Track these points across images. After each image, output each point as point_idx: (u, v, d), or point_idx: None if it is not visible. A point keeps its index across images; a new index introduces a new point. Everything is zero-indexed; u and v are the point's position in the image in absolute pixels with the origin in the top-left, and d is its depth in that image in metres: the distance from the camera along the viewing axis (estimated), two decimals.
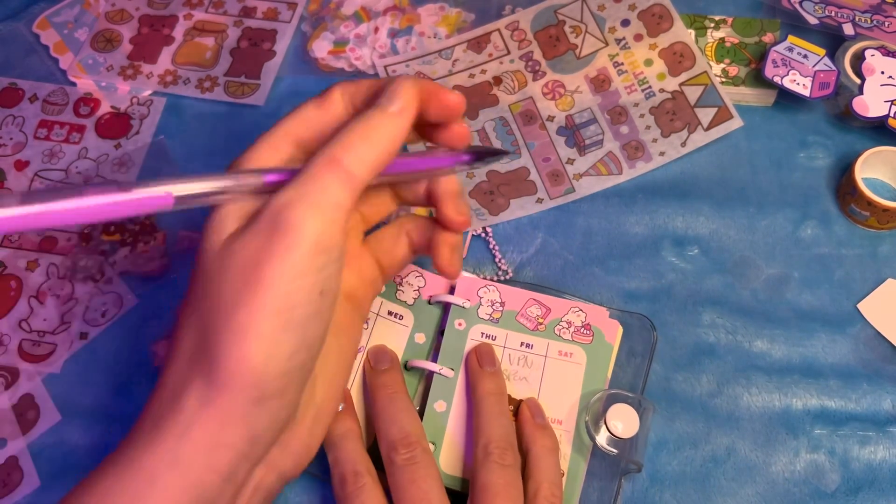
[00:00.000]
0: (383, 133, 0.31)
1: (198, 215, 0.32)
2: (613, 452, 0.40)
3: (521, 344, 0.44)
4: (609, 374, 0.43)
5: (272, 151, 0.33)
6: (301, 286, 0.28)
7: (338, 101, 0.34)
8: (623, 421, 0.40)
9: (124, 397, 0.47)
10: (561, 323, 0.44)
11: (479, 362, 0.42)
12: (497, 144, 0.54)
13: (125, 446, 0.29)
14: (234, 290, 0.28)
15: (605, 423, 0.40)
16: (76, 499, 0.29)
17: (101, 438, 0.46)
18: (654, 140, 0.53)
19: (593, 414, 0.41)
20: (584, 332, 0.44)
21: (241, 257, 0.28)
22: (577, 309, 0.45)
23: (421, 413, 0.42)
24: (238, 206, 0.31)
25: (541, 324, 0.44)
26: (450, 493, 0.38)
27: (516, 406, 0.42)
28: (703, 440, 0.44)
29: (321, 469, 0.43)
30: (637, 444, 0.40)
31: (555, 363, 0.43)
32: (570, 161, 0.53)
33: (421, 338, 0.44)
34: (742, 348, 0.46)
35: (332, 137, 0.30)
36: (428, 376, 0.43)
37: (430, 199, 0.38)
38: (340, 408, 0.41)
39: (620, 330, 0.44)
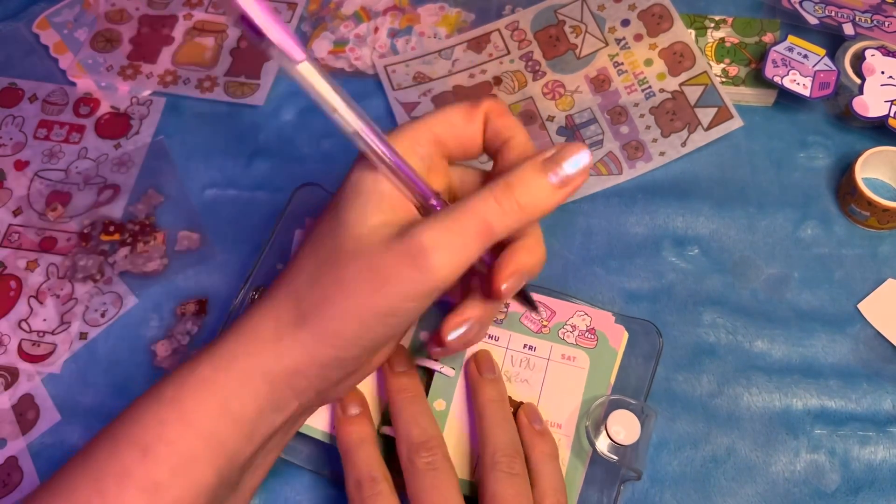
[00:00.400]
0: (542, 208, 0.33)
1: (197, 216, 0.32)
2: (614, 459, 0.40)
3: (524, 346, 0.44)
4: (612, 380, 0.43)
5: (412, 143, 0.34)
6: (411, 307, 0.32)
7: (480, 120, 0.35)
8: (624, 427, 0.40)
9: (124, 397, 0.47)
10: (565, 326, 0.44)
11: (479, 369, 0.42)
12: None
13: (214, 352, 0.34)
14: (355, 278, 0.32)
15: (606, 429, 0.40)
16: (173, 381, 0.33)
17: None
18: (654, 140, 0.53)
19: (594, 419, 0.41)
20: (589, 336, 0.44)
21: (375, 261, 0.31)
22: (582, 313, 0.44)
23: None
24: (384, 199, 0.33)
25: (545, 326, 0.44)
26: (466, 499, 0.38)
27: (515, 408, 0.42)
28: (704, 440, 0.44)
29: (320, 466, 0.43)
30: (638, 451, 0.40)
31: (557, 366, 0.43)
32: None
33: (425, 335, 0.44)
34: (742, 348, 0.46)
35: (487, 193, 0.32)
36: (428, 374, 0.43)
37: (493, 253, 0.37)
38: (356, 412, 0.40)
39: (626, 336, 0.44)
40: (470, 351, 0.43)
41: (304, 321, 0.33)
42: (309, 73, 0.29)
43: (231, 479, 0.34)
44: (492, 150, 0.36)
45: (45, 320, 0.49)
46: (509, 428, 0.39)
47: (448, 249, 0.31)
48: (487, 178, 0.38)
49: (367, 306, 0.32)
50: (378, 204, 0.32)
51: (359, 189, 0.33)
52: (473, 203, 0.31)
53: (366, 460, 0.38)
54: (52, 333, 0.49)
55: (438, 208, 0.33)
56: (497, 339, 0.44)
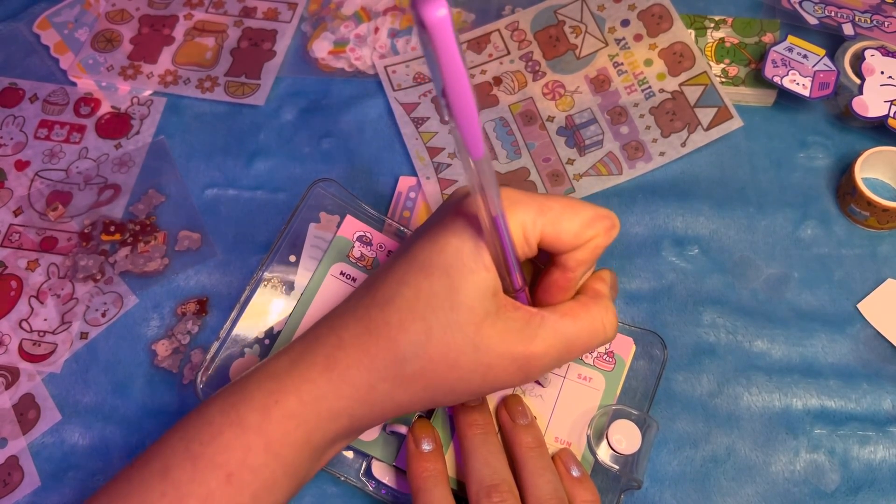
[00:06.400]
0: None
1: (198, 216, 0.32)
2: (614, 468, 0.40)
3: None
4: (619, 391, 0.43)
5: (521, 237, 0.34)
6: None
7: (592, 234, 0.35)
8: (626, 437, 0.40)
9: (124, 397, 0.47)
10: None
11: (512, 416, 0.41)
12: (497, 144, 0.54)
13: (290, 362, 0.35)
14: (469, 369, 0.33)
15: (608, 438, 0.40)
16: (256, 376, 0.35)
17: (100, 438, 0.46)
18: (654, 140, 0.53)
19: (596, 429, 0.41)
20: (608, 359, 0.43)
21: (490, 360, 0.33)
22: None
23: (431, 414, 0.42)
24: (490, 276, 0.33)
25: None
26: (456, 497, 0.38)
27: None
28: (703, 440, 0.44)
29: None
30: (639, 460, 0.40)
31: (572, 385, 0.43)
32: (570, 161, 0.53)
33: None
34: (742, 348, 0.46)
35: (599, 327, 0.36)
36: None
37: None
38: (429, 448, 0.40)
39: (633, 348, 0.44)
40: (499, 395, 0.42)
41: (403, 383, 0.34)
42: (485, 168, 0.29)
43: (296, 493, 0.36)
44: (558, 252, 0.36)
45: (45, 320, 0.50)
46: (552, 477, 0.38)
47: (553, 365, 0.35)
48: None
49: (471, 390, 0.34)
50: (489, 282, 0.33)
51: (466, 259, 0.33)
52: (585, 331, 0.35)
53: (440, 502, 0.38)
54: (53, 333, 0.49)
55: (523, 300, 0.36)
56: None
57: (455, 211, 0.34)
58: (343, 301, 0.37)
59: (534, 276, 0.39)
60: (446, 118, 0.26)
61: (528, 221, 0.34)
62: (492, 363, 0.33)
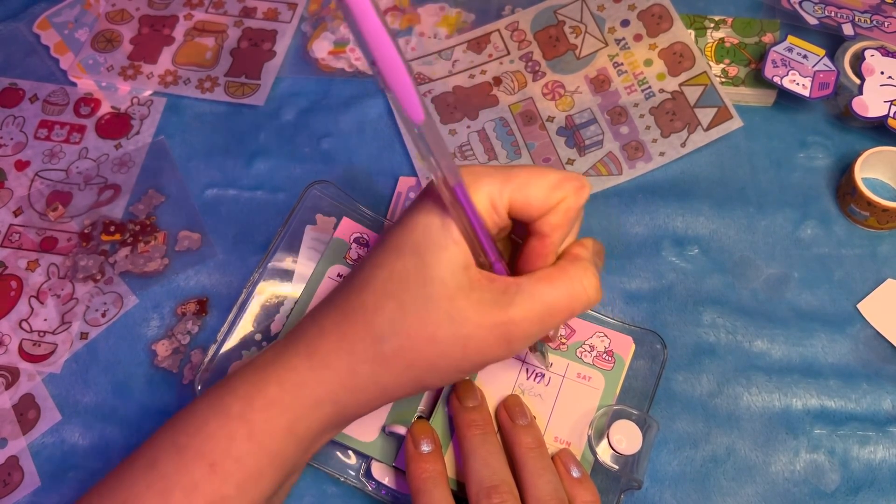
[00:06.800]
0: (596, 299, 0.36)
1: (198, 216, 0.32)
2: (614, 468, 0.40)
3: None
4: (618, 391, 0.43)
5: (489, 206, 0.34)
6: (488, 366, 0.36)
7: (561, 195, 0.35)
8: (626, 437, 0.40)
9: (124, 397, 0.47)
10: (584, 346, 0.44)
11: (511, 416, 0.41)
12: (497, 145, 0.54)
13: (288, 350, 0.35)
14: (447, 342, 0.33)
15: (608, 438, 0.40)
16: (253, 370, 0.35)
17: (100, 438, 0.46)
18: (654, 140, 0.53)
19: (597, 429, 0.41)
20: (607, 357, 0.43)
21: (468, 330, 0.33)
22: (601, 334, 0.44)
23: (430, 415, 0.42)
24: (461, 249, 0.33)
25: (563, 343, 0.44)
26: (456, 497, 0.38)
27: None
28: (703, 440, 0.44)
29: (322, 462, 0.43)
30: (639, 460, 0.40)
31: (572, 384, 0.43)
32: (570, 161, 0.53)
33: None
34: (742, 348, 0.46)
35: (580, 289, 0.35)
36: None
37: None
38: (428, 449, 0.40)
39: (633, 347, 0.44)
40: (498, 395, 0.42)
41: (384, 363, 0.34)
42: (431, 133, 0.29)
43: (283, 485, 0.36)
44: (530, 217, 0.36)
45: (45, 320, 0.50)
46: (552, 478, 0.38)
47: (535, 332, 0.34)
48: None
49: (454, 365, 0.34)
50: (460, 256, 0.33)
51: (434, 236, 0.33)
52: (564, 294, 0.34)
53: (439, 503, 0.38)
54: (53, 333, 0.49)
55: (500, 271, 0.35)
56: None
57: (424, 191, 0.34)
58: (327, 295, 0.37)
59: (514, 253, 0.39)
60: (381, 87, 0.27)
61: (495, 191, 0.34)
62: (470, 333, 0.33)
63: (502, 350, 0.34)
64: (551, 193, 0.34)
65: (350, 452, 0.43)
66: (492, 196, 0.34)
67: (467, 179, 0.32)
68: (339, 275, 0.44)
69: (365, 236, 0.45)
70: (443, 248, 0.33)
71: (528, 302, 0.33)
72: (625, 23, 0.57)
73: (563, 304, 0.34)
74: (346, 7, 0.23)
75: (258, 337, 0.44)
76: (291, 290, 0.45)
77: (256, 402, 0.34)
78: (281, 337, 0.43)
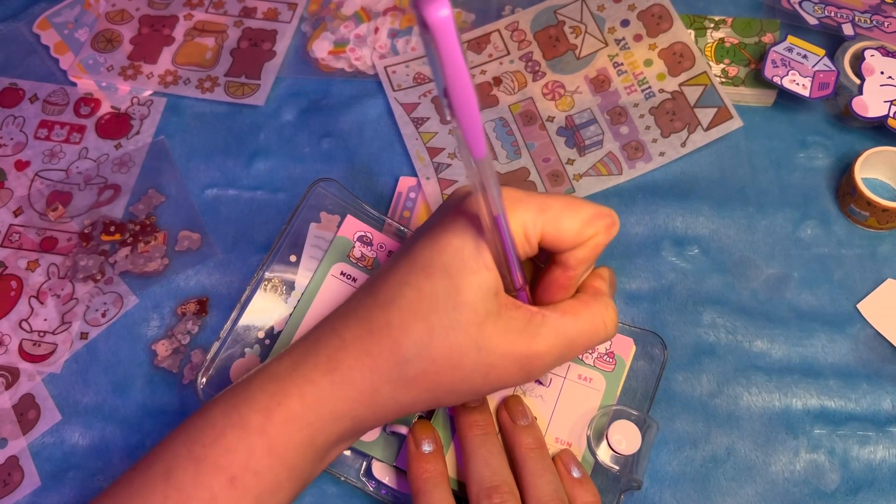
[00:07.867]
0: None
1: (198, 216, 0.32)
2: (614, 469, 0.40)
3: None
4: (619, 392, 0.43)
5: (521, 236, 0.34)
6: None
7: (593, 232, 0.35)
8: (626, 437, 0.40)
9: (124, 397, 0.47)
10: None
11: (512, 417, 0.41)
12: (497, 145, 0.54)
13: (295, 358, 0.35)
14: (472, 370, 0.33)
15: (608, 438, 0.40)
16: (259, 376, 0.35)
17: (100, 438, 0.46)
18: (654, 140, 0.53)
19: (596, 429, 0.41)
20: (608, 359, 0.43)
21: (493, 360, 0.33)
22: None
23: (431, 415, 0.42)
24: (492, 275, 0.33)
25: None
26: (456, 497, 0.38)
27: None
28: (703, 440, 0.44)
29: None
30: (639, 461, 0.40)
31: (573, 386, 0.43)
32: (570, 161, 0.53)
33: None
34: (742, 348, 0.46)
35: (600, 325, 0.36)
36: None
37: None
38: (430, 449, 0.40)
39: (634, 348, 0.44)
40: (499, 396, 0.42)
41: (406, 384, 0.34)
42: (487, 167, 0.29)
43: (298, 494, 0.36)
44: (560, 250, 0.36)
45: (45, 320, 0.50)
46: (552, 478, 0.38)
47: (554, 364, 0.35)
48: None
49: (474, 390, 0.34)
50: (491, 281, 0.33)
51: (467, 259, 0.33)
52: (586, 330, 0.35)
53: (440, 503, 0.38)
54: (53, 333, 0.49)
55: (524, 299, 0.36)
56: None
57: (456, 211, 0.34)
58: (344, 302, 0.37)
59: (534, 275, 0.39)
60: (448, 118, 0.26)
61: (529, 220, 0.34)
62: (494, 363, 0.33)
63: (521, 378, 0.35)
64: (584, 229, 0.34)
65: (351, 452, 0.43)
66: (525, 225, 0.34)
67: (504, 204, 0.32)
68: (342, 273, 0.44)
69: (369, 235, 0.45)
70: (474, 273, 0.33)
71: (552, 336, 0.34)
72: (625, 23, 0.57)
73: (584, 340, 0.35)
74: (429, 34, 0.23)
75: (261, 335, 0.44)
76: (295, 288, 0.45)
77: (276, 416, 0.33)
78: (286, 337, 0.43)
